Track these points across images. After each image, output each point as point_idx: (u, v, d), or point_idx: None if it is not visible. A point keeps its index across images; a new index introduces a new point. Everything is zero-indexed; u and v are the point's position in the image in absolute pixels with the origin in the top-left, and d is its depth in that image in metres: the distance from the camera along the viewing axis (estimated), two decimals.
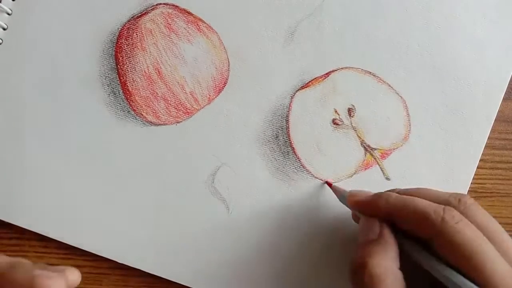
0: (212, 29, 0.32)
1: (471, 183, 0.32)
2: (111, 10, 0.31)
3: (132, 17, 0.31)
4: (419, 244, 0.23)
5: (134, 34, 0.31)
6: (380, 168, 0.32)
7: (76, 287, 0.32)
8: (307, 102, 0.32)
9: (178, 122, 0.32)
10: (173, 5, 0.31)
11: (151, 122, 0.32)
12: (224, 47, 0.32)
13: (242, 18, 0.32)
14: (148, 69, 0.31)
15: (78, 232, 0.31)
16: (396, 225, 0.24)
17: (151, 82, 0.31)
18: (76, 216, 0.31)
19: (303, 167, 0.32)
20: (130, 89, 0.31)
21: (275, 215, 0.32)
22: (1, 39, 0.31)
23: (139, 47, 0.31)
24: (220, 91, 0.32)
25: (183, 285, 0.32)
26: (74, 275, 0.26)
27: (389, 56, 0.32)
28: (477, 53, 0.32)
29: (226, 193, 0.32)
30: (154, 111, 0.31)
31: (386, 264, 0.22)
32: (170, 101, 0.31)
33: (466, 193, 0.32)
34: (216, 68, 0.32)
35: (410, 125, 0.32)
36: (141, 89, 0.31)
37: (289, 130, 0.32)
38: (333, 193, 0.31)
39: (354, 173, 0.32)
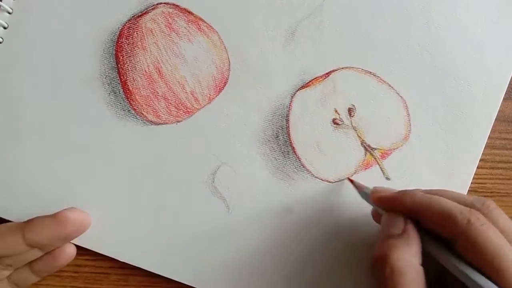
0: (213, 28, 0.32)
1: (471, 183, 0.32)
2: (112, 9, 0.31)
3: (132, 16, 0.31)
4: (441, 243, 0.24)
5: (135, 33, 0.31)
6: (380, 168, 0.32)
7: (76, 286, 0.33)
8: (308, 101, 0.32)
9: (178, 122, 0.32)
10: (174, 4, 0.31)
11: (152, 122, 0.31)
12: (225, 46, 0.32)
13: (242, 18, 0.32)
14: (148, 69, 0.31)
15: None
16: (418, 222, 0.24)
17: (151, 81, 0.31)
18: None
19: (303, 166, 0.32)
20: (130, 88, 0.31)
21: (275, 214, 0.32)
22: (2, 38, 0.31)
23: (139, 46, 0.31)
24: (220, 90, 0.32)
25: (183, 284, 0.32)
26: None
27: (389, 56, 0.32)
28: (477, 53, 0.32)
29: (226, 192, 0.32)
30: (154, 111, 0.31)
31: (409, 258, 0.22)
32: (171, 100, 0.31)
33: (466, 193, 0.32)
34: (216, 67, 0.32)
35: (410, 125, 0.32)
36: (141, 89, 0.31)
37: (289, 130, 0.32)
38: (333, 193, 0.31)
39: (354, 173, 0.32)
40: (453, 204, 0.23)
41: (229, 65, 0.32)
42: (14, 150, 0.31)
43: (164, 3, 0.31)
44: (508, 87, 0.32)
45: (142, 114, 0.31)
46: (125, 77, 0.31)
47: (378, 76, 0.32)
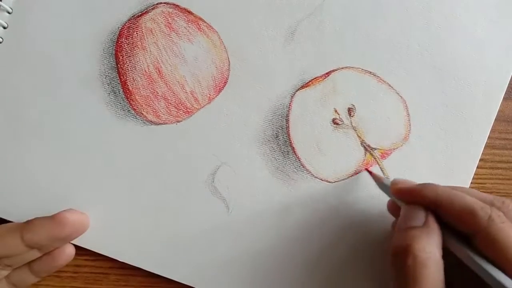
0: (213, 28, 0.32)
1: (471, 183, 0.32)
2: (112, 9, 0.31)
3: (132, 16, 0.31)
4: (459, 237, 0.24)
5: (135, 33, 0.31)
6: (380, 168, 0.32)
7: (76, 287, 0.33)
8: (307, 101, 0.32)
9: (178, 122, 0.32)
10: (174, 4, 0.31)
11: (151, 121, 0.31)
12: (225, 46, 0.32)
13: (242, 18, 0.32)
14: (148, 68, 0.31)
15: None
16: (437, 216, 0.24)
17: (151, 81, 0.31)
18: None
19: (303, 166, 0.32)
20: (130, 88, 0.31)
21: (275, 214, 0.32)
22: (1, 38, 0.31)
23: (139, 46, 0.31)
24: (220, 90, 0.32)
25: (183, 284, 0.32)
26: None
27: (389, 56, 0.32)
28: (477, 53, 0.32)
29: (226, 192, 0.32)
30: (154, 110, 0.31)
31: (431, 249, 0.22)
32: (171, 100, 0.31)
33: None
34: (216, 67, 0.32)
35: (410, 125, 0.32)
36: (141, 88, 0.31)
37: (289, 130, 0.32)
38: (332, 193, 0.31)
39: (354, 173, 0.32)
40: (474, 200, 0.23)
41: (229, 65, 0.32)
42: (14, 150, 0.31)
43: (164, 3, 0.31)
44: (508, 87, 0.32)
45: (142, 114, 0.31)
46: (125, 77, 0.31)
47: (378, 76, 0.32)
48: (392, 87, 0.32)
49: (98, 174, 0.31)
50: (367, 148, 0.32)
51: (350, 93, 0.32)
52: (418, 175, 0.32)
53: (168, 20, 0.31)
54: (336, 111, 0.32)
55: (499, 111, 0.32)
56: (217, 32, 0.32)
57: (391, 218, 0.31)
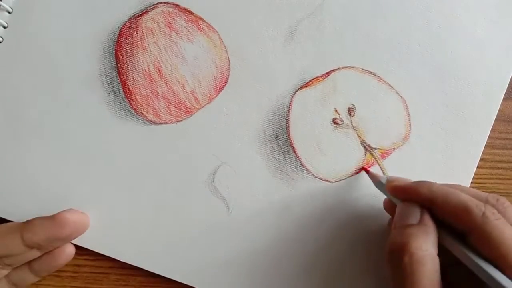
0: (213, 28, 0.32)
1: (471, 183, 0.32)
2: (112, 9, 0.31)
3: (132, 16, 0.31)
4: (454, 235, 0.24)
5: (135, 33, 0.31)
6: (380, 167, 0.32)
7: (76, 286, 0.33)
8: (308, 101, 0.32)
9: (178, 121, 0.32)
10: (174, 4, 0.31)
11: (152, 121, 0.31)
12: (225, 46, 0.32)
13: (242, 17, 0.32)
14: (148, 68, 0.31)
15: None
16: (432, 214, 0.24)
17: (151, 81, 0.31)
18: None
19: (303, 166, 0.32)
20: (130, 88, 0.31)
21: (275, 214, 0.32)
22: (2, 38, 0.31)
23: (139, 46, 0.31)
24: (220, 90, 0.32)
25: (183, 284, 0.32)
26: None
27: (389, 56, 0.32)
28: (477, 53, 0.32)
29: (226, 192, 0.32)
30: (154, 110, 0.31)
31: (427, 247, 0.23)
32: (171, 100, 0.31)
33: None
34: (216, 67, 0.32)
35: (410, 125, 0.32)
36: (141, 88, 0.31)
37: (289, 130, 0.32)
38: (332, 192, 0.31)
39: (354, 173, 0.32)
40: (469, 197, 0.23)
41: (229, 64, 0.32)
42: (14, 150, 0.31)
43: (164, 2, 0.31)
44: (508, 87, 0.32)
45: (142, 113, 0.31)
46: (125, 76, 0.31)
47: (378, 76, 0.32)
48: (392, 87, 0.32)
49: (98, 174, 0.31)
50: (367, 148, 0.32)
51: (350, 93, 0.32)
52: (418, 174, 0.32)
53: (168, 20, 0.31)
54: (336, 111, 0.32)
55: (499, 111, 0.32)
56: (217, 32, 0.32)
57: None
